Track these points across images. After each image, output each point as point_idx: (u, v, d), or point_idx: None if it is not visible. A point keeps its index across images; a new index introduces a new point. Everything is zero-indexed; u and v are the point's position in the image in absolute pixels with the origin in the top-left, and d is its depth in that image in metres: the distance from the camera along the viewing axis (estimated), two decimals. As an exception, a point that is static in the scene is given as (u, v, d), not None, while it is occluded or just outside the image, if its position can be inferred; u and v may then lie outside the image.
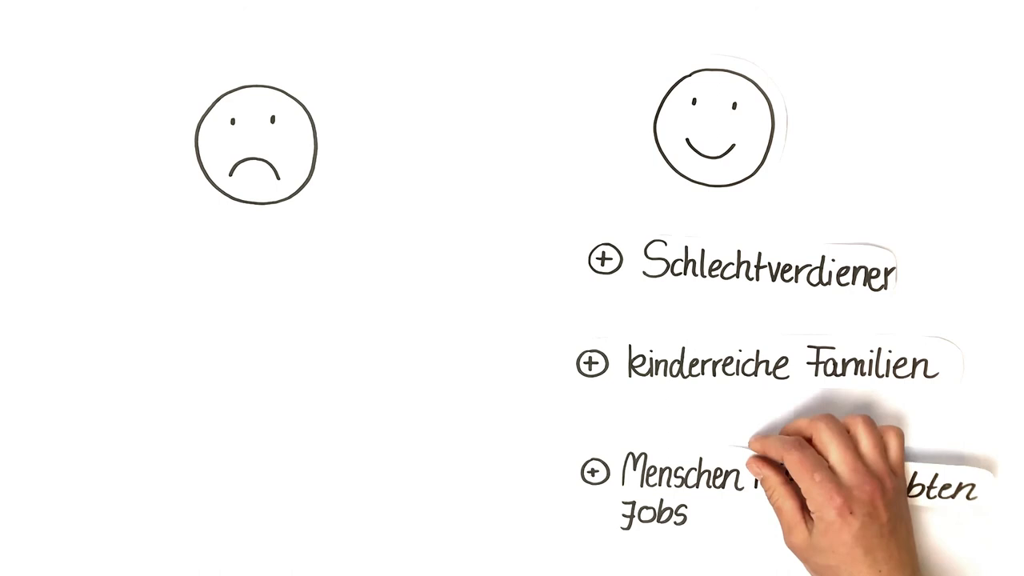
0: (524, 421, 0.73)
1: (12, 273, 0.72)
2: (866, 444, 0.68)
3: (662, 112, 0.72)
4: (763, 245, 0.72)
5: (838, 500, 0.65)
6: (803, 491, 0.67)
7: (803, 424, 0.70)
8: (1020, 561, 0.74)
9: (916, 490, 0.72)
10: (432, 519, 0.73)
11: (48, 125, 0.71)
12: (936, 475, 0.72)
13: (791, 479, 0.69)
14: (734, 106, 0.72)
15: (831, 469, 0.67)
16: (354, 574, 0.73)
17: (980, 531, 0.74)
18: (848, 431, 0.69)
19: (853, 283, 0.72)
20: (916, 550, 0.69)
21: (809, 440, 0.69)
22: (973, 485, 0.72)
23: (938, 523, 0.74)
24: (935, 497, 0.72)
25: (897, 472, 0.69)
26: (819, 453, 0.68)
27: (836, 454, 0.67)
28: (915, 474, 0.72)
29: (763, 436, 0.71)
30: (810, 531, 0.67)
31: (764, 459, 0.71)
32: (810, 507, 0.67)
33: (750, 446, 0.72)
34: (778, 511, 0.69)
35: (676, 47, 0.72)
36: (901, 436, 0.70)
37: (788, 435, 0.70)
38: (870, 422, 0.69)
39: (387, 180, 0.72)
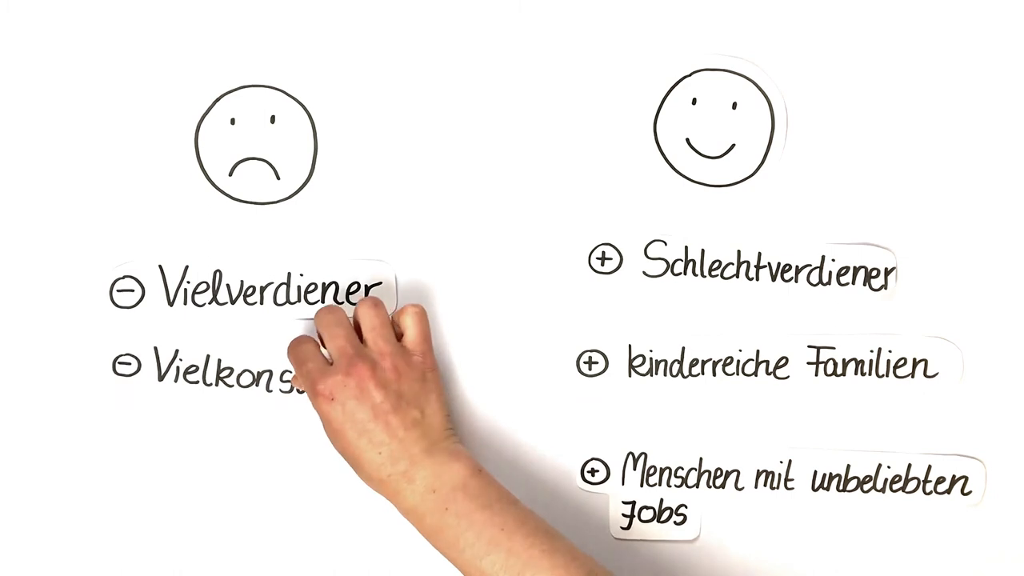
0: (524, 421, 0.73)
1: (12, 272, 0.72)
2: (367, 326, 0.67)
3: (662, 112, 0.72)
4: (763, 245, 0.72)
5: (318, 387, 0.64)
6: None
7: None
8: (1019, 560, 0.74)
9: (912, 485, 0.73)
10: (432, 519, 0.73)
11: (49, 125, 0.71)
12: (930, 467, 0.72)
13: None
14: (734, 106, 0.72)
15: (325, 360, 0.66)
16: (353, 574, 0.73)
17: (976, 528, 0.74)
18: (354, 319, 0.68)
19: (853, 283, 0.72)
20: (442, 423, 0.67)
21: None
22: (966, 478, 0.72)
23: (934, 520, 0.74)
24: (931, 493, 0.73)
25: (416, 350, 0.67)
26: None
27: (328, 342, 0.66)
28: (909, 466, 0.73)
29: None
30: None
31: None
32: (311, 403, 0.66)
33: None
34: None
35: (676, 47, 0.72)
36: (418, 313, 0.68)
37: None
38: (373, 303, 0.67)
39: (387, 180, 0.72)
